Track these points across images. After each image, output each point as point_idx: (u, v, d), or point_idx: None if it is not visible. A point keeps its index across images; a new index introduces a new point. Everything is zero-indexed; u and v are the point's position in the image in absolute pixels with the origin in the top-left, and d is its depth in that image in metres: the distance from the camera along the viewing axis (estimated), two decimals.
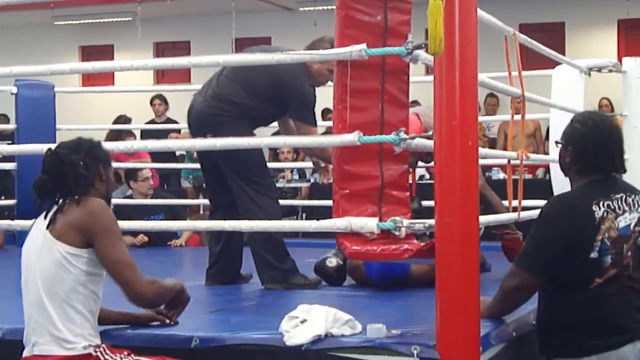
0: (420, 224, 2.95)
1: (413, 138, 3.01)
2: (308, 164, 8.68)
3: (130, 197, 6.52)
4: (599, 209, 2.70)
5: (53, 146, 2.65)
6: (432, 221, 2.76)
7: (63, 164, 2.56)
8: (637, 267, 2.73)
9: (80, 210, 2.52)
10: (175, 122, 8.71)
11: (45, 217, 2.56)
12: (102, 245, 2.49)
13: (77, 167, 2.57)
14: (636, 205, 2.77)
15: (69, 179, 2.55)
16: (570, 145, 2.84)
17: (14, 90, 6.20)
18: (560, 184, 5.02)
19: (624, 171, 2.89)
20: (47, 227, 2.53)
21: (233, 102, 3.95)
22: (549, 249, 2.70)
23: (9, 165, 6.30)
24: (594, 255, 2.66)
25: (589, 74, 5.25)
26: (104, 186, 2.65)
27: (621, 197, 2.75)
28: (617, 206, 2.73)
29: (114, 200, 3.64)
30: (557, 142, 2.93)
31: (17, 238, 6.30)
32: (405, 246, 2.99)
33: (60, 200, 2.56)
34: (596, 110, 3.19)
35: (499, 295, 2.85)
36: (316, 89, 4.06)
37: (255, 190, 3.94)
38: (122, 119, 8.46)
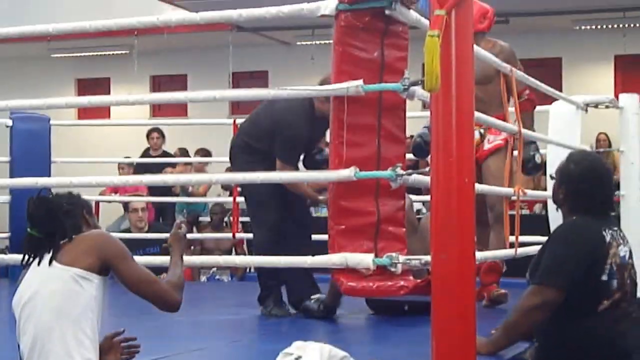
0: (417, 260, 2.94)
1: (410, 174, 3.00)
2: None
3: (127, 230, 6.51)
4: (606, 234, 2.79)
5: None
6: (428, 257, 2.75)
7: (49, 205, 2.57)
8: (632, 296, 2.82)
9: (88, 239, 2.53)
10: (171, 155, 8.71)
11: (39, 263, 2.54)
12: (122, 267, 2.52)
13: (63, 207, 2.58)
14: (625, 239, 2.87)
15: (57, 219, 2.55)
16: (565, 184, 2.90)
17: (9, 122, 6.20)
18: (557, 219, 5.01)
19: (613, 211, 2.98)
20: (50, 264, 2.51)
21: (249, 145, 4.16)
22: (572, 265, 2.74)
23: (3, 198, 6.27)
24: (604, 277, 2.73)
25: (586, 110, 5.27)
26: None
27: (618, 229, 2.86)
28: (617, 236, 2.82)
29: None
30: (551, 176, 2.97)
31: (10, 272, 6.26)
32: (402, 282, 2.98)
33: (56, 244, 2.54)
34: (591, 151, 3.23)
35: (515, 318, 2.82)
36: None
37: (254, 224, 4.21)
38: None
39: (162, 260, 4.14)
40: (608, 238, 2.77)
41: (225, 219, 8.01)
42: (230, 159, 4.33)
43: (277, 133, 4.01)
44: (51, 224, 2.55)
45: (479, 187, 3.47)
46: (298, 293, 4.13)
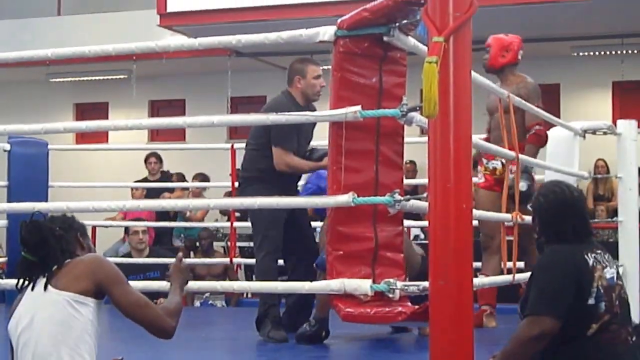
0: (414, 286, 2.93)
1: (408, 200, 3.00)
2: None
3: (127, 254, 6.52)
4: (590, 258, 2.77)
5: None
6: (426, 283, 2.74)
7: (42, 230, 2.56)
8: (624, 317, 2.80)
9: (82, 263, 2.52)
10: (169, 180, 8.70)
11: (33, 288, 2.53)
12: (116, 291, 2.51)
13: (55, 231, 2.57)
14: (611, 261, 2.87)
15: (50, 244, 2.54)
16: (537, 217, 2.91)
17: (7, 147, 6.20)
18: None
19: (592, 235, 2.92)
20: (45, 289, 2.49)
21: (248, 169, 4.34)
22: (564, 292, 2.72)
23: (0, 223, 6.25)
24: (591, 301, 2.71)
25: (584, 137, 5.27)
26: (86, 254, 2.65)
27: (601, 252, 2.84)
28: (601, 259, 2.81)
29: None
30: (531, 207, 2.97)
31: (7, 297, 6.23)
32: (399, 309, 2.96)
33: (50, 268, 2.53)
34: (560, 181, 3.22)
35: (513, 348, 2.79)
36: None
37: (256, 248, 4.28)
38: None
39: (161, 285, 4.13)
40: (591, 261, 2.76)
41: (223, 244, 8.00)
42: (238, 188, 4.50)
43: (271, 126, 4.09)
44: (43, 248, 2.54)
45: (477, 213, 3.47)
46: (295, 317, 4.18)
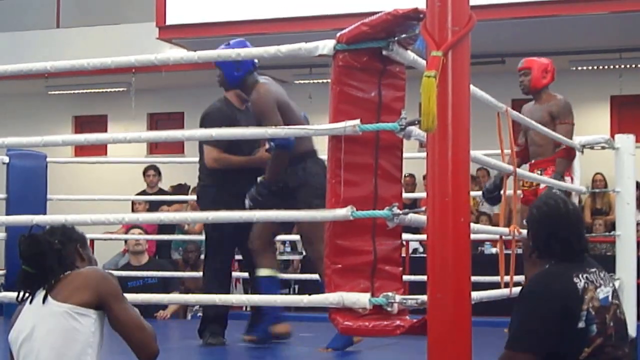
0: (413, 300, 2.93)
1: (406, 214, 3.00)
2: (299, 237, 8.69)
3: (125, 266, 6.54)
4: (580, 280, 2.73)
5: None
6: (424, 297, 2.74)
7: (40, 244, 2.56)
8: (620, 338, 2.75)
9: (82, 275, 2.53)
10: (167, 193, 8.70)
11: (31, 301, 2.52)
12: (115, 307, 2.50)
13: (54, 245, 2.57)
14: (607, 280, 2.83)
15: (48, 258, 2.54)
16: (530, 230, 2.89)
17: (6, 159, 6.20)
18: None
19: (584, 252, 2.87)
20: (44, 301, 2.49)
21: (200, 177, 4.88)
22: (542, 322, 2.69)
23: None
24: (581, 325, 2.68)
25: (582, 151, 5.30)
26: (86, 265, 2.66)
27: (595, 270, 2.80)
28: (594, 279, 2.77)
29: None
30: (525, 220, 2.95)
31: (5, 310, 6.22)
32: (398, 322, 2.95)
33: (50, 281, 2.53)
34: (557, 193, 3.23)
35: None
36: None
37: (206, 262, 4.72)
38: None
39: (158, 297, 4.12)
40: (582, 284, 2.71)
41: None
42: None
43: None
44: (42, 261, 2.54)
45: (475, 227, 3.47)
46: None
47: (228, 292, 4.69)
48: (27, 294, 2.56)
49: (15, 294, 2.63)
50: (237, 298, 3.46)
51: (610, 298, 2.77)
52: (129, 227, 7.20)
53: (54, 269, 2.54)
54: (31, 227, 2.69)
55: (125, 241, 7.30)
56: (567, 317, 2.67)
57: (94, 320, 2.48)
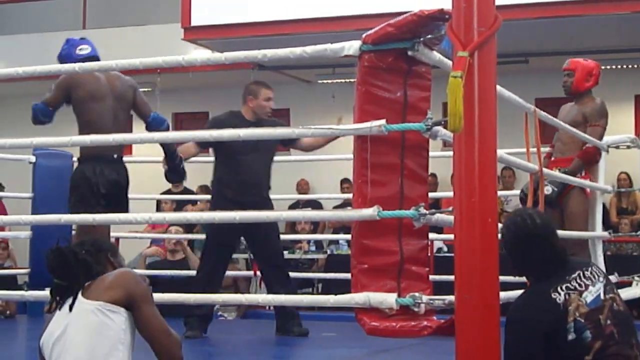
0: (440, 300, 2.93)
1: (433, 214, 3.00)
2: (325, 236, 8.71)
3: (152, 264, 6.64)
4: (559, 294, 2.67)
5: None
6: (451, 297, 2.74)
7: (65, 256, 2.59)
8: (624, 331, 2.68)
9: (111, 276, 2.55)
10: (192, 192, 8.74)
11: (62, 308, 2.55)
12: (144, 309, 2.52)
13: (79, 254, 2.60)
14: (596, 276, 2.75)
15: (74, 268, 2.57)
16: (506, 251, 2.81)
17: (32, 159, 6.25)
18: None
19: (564, 261, 2.80)
20: (76, 302, 2.51)
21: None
22: (527, 349, 2.65)
23: (24, 234, 6.30)
24: (571, 337, 2.63)
25: (607, 151, 5.26)
26: None
27: (578, 275, 2.73)
28: (577, 285, 2.70)
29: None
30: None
31: (29, 308, 6.28)
32: (425, 323, 2.96)
33: (80, 289, 2.55)
34: (524, 209, 3.18)
35: None
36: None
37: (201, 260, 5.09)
38: None
39: (184, 297, 4.14)
40: (562, 297, 2.65)
41: (246, 255, 8.02)
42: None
43: None
44: (68, 272, 2.57)
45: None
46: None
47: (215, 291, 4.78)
48: (58, 304, 2.58)
49: (39, 292, 2.66)
50: (263, 297, 3.48)
51: (602, 295, 2.70)
52: (153, 227, 7.28)
53: (80, 278, 2.57)
54: (57, 240, 2.71)
55: (152, 240, 7.37)
56: (553, 337, 2.62)
57: (124, 319, 2.50)
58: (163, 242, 7.31)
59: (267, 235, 4.83)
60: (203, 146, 4.98)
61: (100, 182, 4.46)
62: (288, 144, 4.90)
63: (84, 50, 4.67)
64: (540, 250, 2.76)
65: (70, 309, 2.52)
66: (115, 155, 4.51)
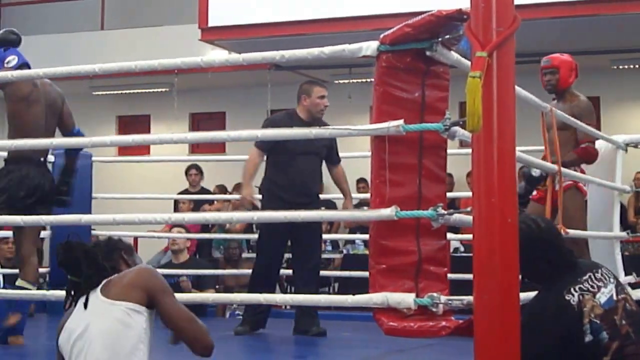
0: (459, 300, 2.93)
1: (451, 214, 3.00)
2: (341, 236, 8.71)
3: (168, 264, 6.63)
4: (573, 295, 2.67)
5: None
6: (470, 298, 2.74)
7: (73, 250, 2.59)
8: (638, 331, 2.67)
9: (132, 273, 2.56)
10: (209, 192, 8.78)
11: (79, 302, 2.55)
12: (167, 302, 2.53)
13: (87, 249, 2.60)
14: (607, 277, 2.75)
15: (82, 264, 2.56)
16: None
17: (52, 158, 6.28)
18: (599, 256, 4.98)
19: (573, 263, 2.80)
20: (95, 300, 2.52)
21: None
22: (544, 354, 2.65)
23: (43, 234, 6.33)
24: (588, 338, 2.62)
25: (626, 150, 5.24)
26: None
27: (588, 277, 2.73)
28: (589, 286, 2.70)
29: None
30: None
31: (49, 307, 6.33)
32: (443, 323, 2.95)
33: (94, 286, 2.56)
34: (525, 215, 3.15)
35: None
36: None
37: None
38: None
39: (203, 297, 4.16)
40: (575, 298, 2.65)
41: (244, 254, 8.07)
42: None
43: None
44: (76, 267, 2.57)
45: None
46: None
47: (270, 290, 4.81)
48: (71, 301, 2.60)
49: (60, 292, 2.67)
50: (280, 297, 3.49)
51: (615, 296, 2.69)
52: (171, 226, 7.29)
53: (91, 275, 2.57)
54: (68, 235, 2.73)
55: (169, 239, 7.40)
56: (569, 340, 2.61)
57: (145, 318, 2.51)
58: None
59: (312, 236, 4.96)
60: (265, 150, 4.92)
61: (26, 184, 4.49)
62: (328, 160, 5.08)
63: (12, 62, 4.69)
64: (548, 254, 2.76)
65: (85, 306, 2.53)
66: (42, 159, 4.54)
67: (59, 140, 3.89)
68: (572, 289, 2.67)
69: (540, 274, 2.77)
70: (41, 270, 6.55)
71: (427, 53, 3.07)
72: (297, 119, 4.93)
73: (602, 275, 2.75)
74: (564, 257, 2.78)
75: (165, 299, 2.54)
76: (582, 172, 4.97)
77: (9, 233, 6.34)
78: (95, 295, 2.54)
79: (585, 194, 4.99)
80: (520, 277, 2.81)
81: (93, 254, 2.60)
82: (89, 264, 2.57)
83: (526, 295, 2.94)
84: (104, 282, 2.57)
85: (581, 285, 2.69)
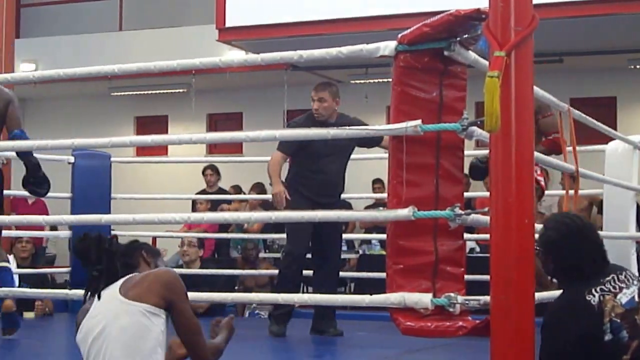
0: (475, 300, 2.93)
1: (469, 214, 3.00)
2: (357, 236, 8.72)
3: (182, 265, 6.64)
4: (594, 296, 2.67)
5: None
6: (487, 298, 2.74)
7: (87, 241, 2.60)
8: None
9: (152, 275, 2.56)
10: (226, 192, 8.80)
11: (99, 298, 2.56)
12: (182, 308, 2.54)
13: (103, 241, 2.61)
14: (630, 279, 2.76)
15: (97, 257, 2.58)
16: (549, 253, 2.79)
17: (71, 159, 6.34)
18: (613, 257, 4.95)
19: (604, 262, 2.82)
20: (113, 299, 2.53)
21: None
22: (563, 354, 2.65)
23: (64, 234, 6.39)
24: (608, 337, 2.62)
25: None
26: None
27: (612, 278, 2.73)
28: (610, 287, 2.70)
29: None
30: (536, 249, 2.84)
31: (70, 306, 6.37)
32: (460, 323, 2.96)
33: (112, 281, 2.58)
34: (567, 212, 3.14)
35: None
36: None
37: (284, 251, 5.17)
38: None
39: (221, 297, 4.17)
40: (596, 299, 2.65)
41: (279, 255, 8.07)
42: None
43: None
44: (90, 259, 2.58)
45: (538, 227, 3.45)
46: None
47: (296, 289, 4.87)
48: (90, 294, 2.60)
49: (81, 291, 2.68)
50: (299, 297, 3.51)
51: (637, 297, 2.70)
52: (189, 226, 7.33)
53: (108, 268, 2.57)
54: (89, 229, 2.74)
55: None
56: (589, 339, 2.62)
57: (163, 320, 2.52)
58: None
59: (334, 235, 4.99)
60: (289, 152, 4.95)
61: None
62: (368, 143, 4.99)
63: None
64: (590, 248, 2.77)
65: (99, 297, 2.54)
66: None
67: (80, 141, 3.92)
68: (593, 290, 2.69)
69: (573, 269, 2.76)
70: (62, 270, 6.63)
71: (445, 53, 3.07)
72: (314, 120, 4.97)
73: (625, 277, 2.77)
74: (602, 254, 2.80)
75: (182, 306, 2.54)
76: (543, 170, 4.86)
77: (23, 232, 6.41)
78: (114, 294, 2.54)
79: (543, 189, 4.87)
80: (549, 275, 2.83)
81: (108, 246, 2.60)
82: (105, 256, 2.58)
83: (541, 295, 2.94)
84: (123, 280, 2.57)
85: (602, 286, 2.70)
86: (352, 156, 6.03)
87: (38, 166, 4.60)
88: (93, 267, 2.59)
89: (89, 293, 2.60)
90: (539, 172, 4.47)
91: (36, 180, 4.62)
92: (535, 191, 4.31)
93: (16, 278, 6.34)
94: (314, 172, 4.90)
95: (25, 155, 4.56)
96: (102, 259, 2.58)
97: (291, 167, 5.09)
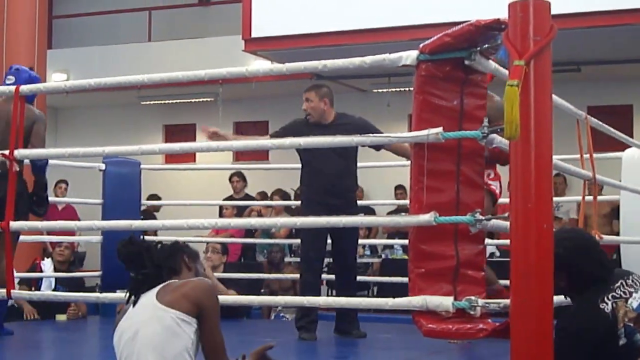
0: (496, 304, 2.99)
1: (489, 219, 3.07)
2: (379, 241, 8.79)
3: None
4: (607, 304, 2.73)
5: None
6: (507, 301, 2.80)
7: (133, 245, 2.65)
8: None
9: (190, 284, 2.60)
10: (253, 198, 8.91)
11: (135, 303, 2.62)
12: (211, 323, 2.56)
13: (150, 248, 2.65)
14: (638, 283, 2.81)
15: (141, 261, 2.62)
16: (563, 270, 2.82)
17: (102, 166, 6.47)
18: (630, 263, 4.98)
19: (611, 270, 2.87)
20: (149, 304, 2.58)
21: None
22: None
23: (96, 239, 6.51)
24: (622, 341, 2.68)
25: None
26: (193, 276, 2.73)
27: (620, 283, 2.79)
28: (621, 293, 2.76)
29: None
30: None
31: (101, 309, 6.50)
32: (481, 325, 3.01)
33: (154, 285, 2.62)
34: (569, 228, 3.17)
35: None
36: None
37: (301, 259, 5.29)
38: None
39: (244, 299, 4.24)
40: (609, 307, 2.71)
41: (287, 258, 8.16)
42: None
43: None
44: (135, 262, 2.64)
45: None
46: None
47: (315, 294, 4.90)
48: (131, 297, 2.65)
49: (112, 294, 2.75)
50: (324, 300, 3.59)
51: None
52: (217, 231, 7.43)
53: (150, 273, 2.63)
54: (129, 236, 2.78)
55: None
56: (604, 346, 2.67)
57: (194, 329, 2.55)
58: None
59: (349, 236, 5.05)
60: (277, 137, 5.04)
61: None
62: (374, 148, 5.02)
63: (8, 81, 4.88)
64: (598, 258, 2.84)
65: (134, 304, 2.59)
66: (1, 171, 4.64)
67: (110, 149, 4.03)
68: (605, 298, 2.75)
69: (582, 281, 2.83)
70: (93, 273, 6.76)
71: (466, 62, 3.12)
72: (306, 123, 5.17)
73: (632, 281, 2.82)
74: (608, 262, 2.86)
75: (211, 320, 2.57)
76: (497, 174, 4.81)
77: (63, 238, 6.54)
78: (151, 298, 2.59)
79: (497, 195, 4.79)
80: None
81: (151, 250, 2.66)
82: (147, 261, 2.63)
83: (559, 299, 2.99)
84: (162, 285, 2.62)
85: (613, 293, 2.76)
86: (375, 163, 6.12)
87: (45, 186, 4.75)
88: (138, 271, 2.64)
89: (131, 295, 2.66)
90: (492, 175, 4.38)
91: (38, 200, 4.76)
92: (491, 197, 4.32)
93: (52, 281, 6.50)
94: (317, 173, 5.00)
95: (38, 172, 4.71)
96: (147, 264, 2.64)
97: (301, 175, 5.18)
